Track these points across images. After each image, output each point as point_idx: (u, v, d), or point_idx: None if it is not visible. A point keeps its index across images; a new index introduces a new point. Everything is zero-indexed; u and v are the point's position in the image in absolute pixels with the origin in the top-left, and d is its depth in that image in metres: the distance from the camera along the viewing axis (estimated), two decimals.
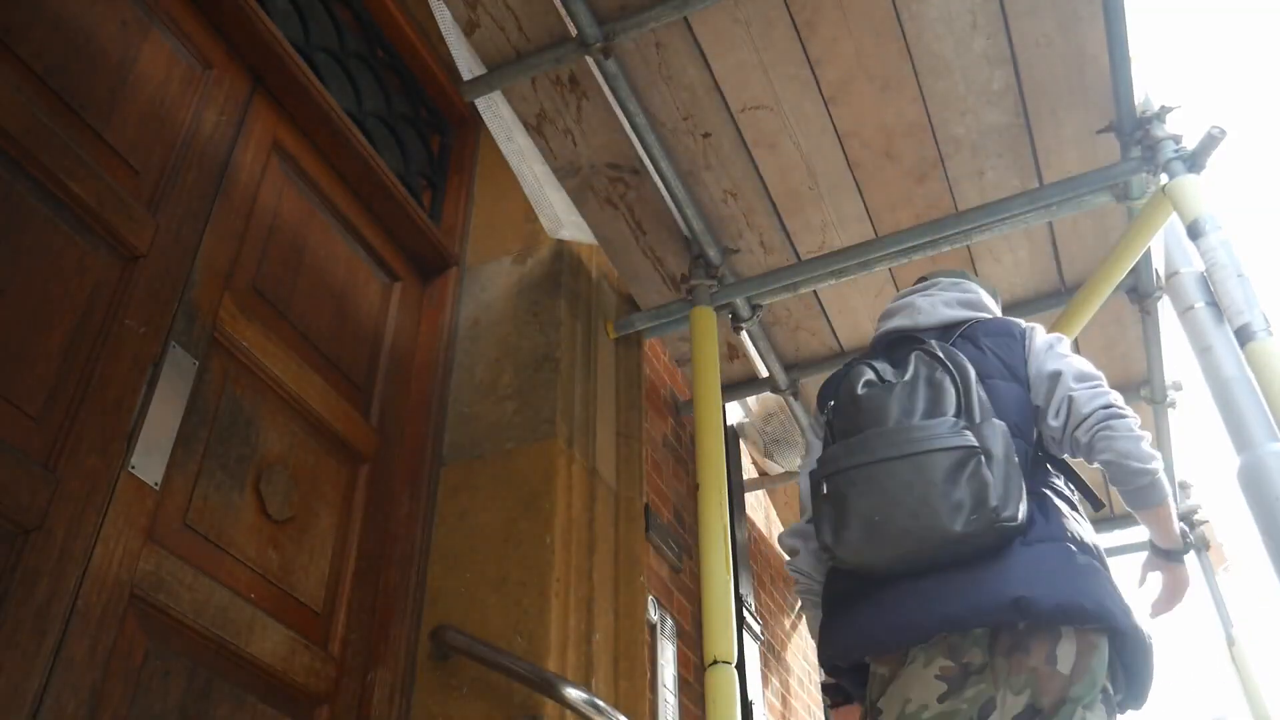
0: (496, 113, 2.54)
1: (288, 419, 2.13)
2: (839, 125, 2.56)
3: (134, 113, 1.90)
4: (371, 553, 2.27)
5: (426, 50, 2.96)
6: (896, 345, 1.96)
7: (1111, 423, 1.72)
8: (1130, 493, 1.76)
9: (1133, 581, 1.97)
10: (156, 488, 1.72)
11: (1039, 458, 1.81)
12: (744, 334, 3.10)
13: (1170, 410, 3.32)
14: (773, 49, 2.39)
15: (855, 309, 3.13)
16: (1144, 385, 3.28)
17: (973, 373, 1.78)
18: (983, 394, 1.76)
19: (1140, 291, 2.93)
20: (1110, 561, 1.74)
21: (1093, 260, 2.87)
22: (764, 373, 3.36)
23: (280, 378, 2.10)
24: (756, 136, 2.59)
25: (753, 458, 4.21)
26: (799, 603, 4.49)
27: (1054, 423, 1.78)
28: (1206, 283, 2.89)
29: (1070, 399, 1.76)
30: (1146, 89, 2.41)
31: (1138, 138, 2.42)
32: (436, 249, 2.78)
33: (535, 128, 2.59)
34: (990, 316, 2.03)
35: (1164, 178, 2.35)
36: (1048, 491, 1.75)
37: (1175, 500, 1.84)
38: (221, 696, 1.76)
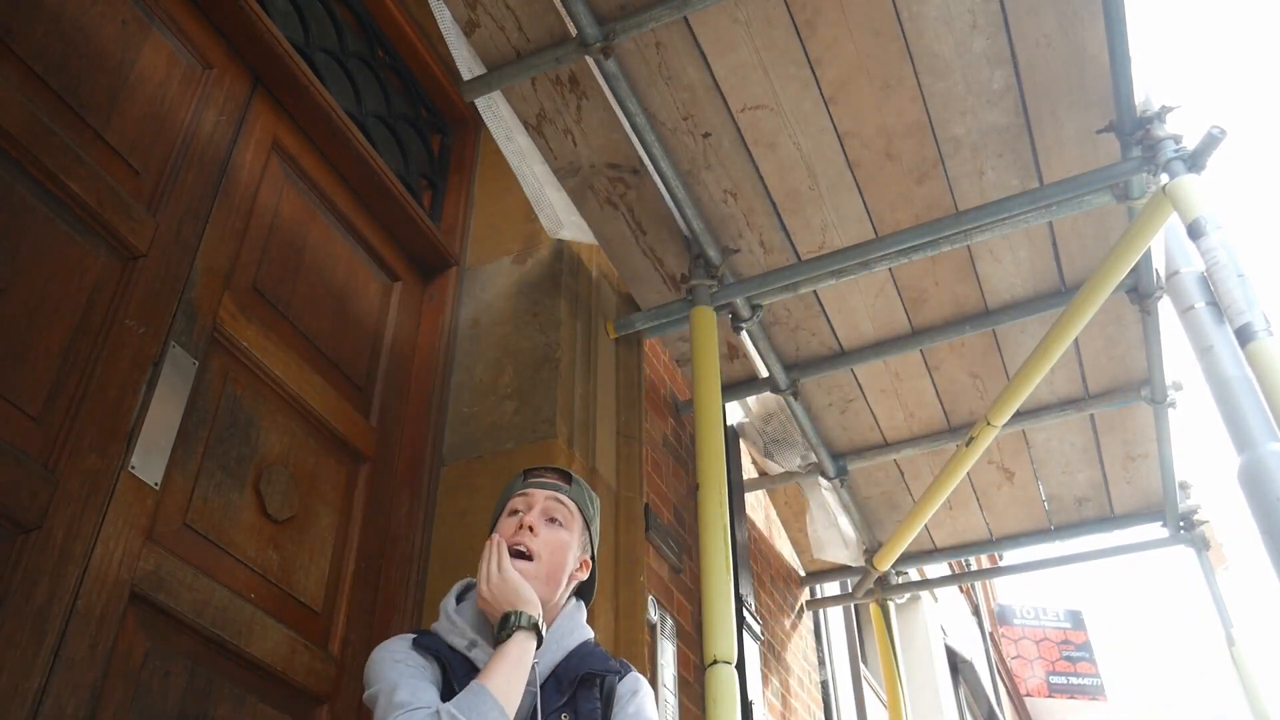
0: (496, 113, 2.54)
1: (288, 419, 2.13)
2: (839, 125, 2.56)
3: (134, 113, 1.90)
4: (371, 553, 2.27)
5: (426, 50, 2.96)
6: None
7: None
8: None
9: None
10: (156, 488, 1.72)
11: None
12: (744, 334, 3.11)
13: (1170, 410, 3.32)
14: (773, 49, 2.39)
15: (855, 309, 3.13)
16: (1144, 385, 3.28)
17: None
18: None
19: (1140, 291, 2.93)
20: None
21: (1093, 260, 2.87)
22: (764, 373, 3.36)
23: (280, 378, 2.10)
24: (756, 136, 2.59)
25: (753, 458, 4.21)
26: (799, 603, 4.50)
27: None
28: (1207, 283, 2.89)
29: None
30: (1147, 89, 2.41)
31: (1138, 138, 2.42)
32: (436, 249, 2.78)
33: (535, 128, 2.59)
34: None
35: (1164, 177, 2.35)
36: None
37: None
38: (221, 696, 1.77)
